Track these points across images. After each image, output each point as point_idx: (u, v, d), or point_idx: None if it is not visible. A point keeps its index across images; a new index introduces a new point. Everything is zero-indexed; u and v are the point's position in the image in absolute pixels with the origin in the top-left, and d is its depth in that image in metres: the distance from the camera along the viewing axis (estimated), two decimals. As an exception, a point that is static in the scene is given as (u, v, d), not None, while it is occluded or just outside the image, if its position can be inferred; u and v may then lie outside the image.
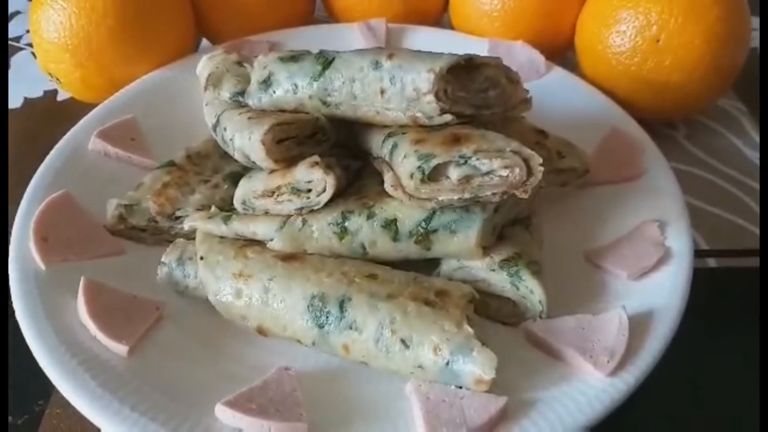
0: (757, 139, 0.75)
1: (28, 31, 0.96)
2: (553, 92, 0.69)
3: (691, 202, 0.66)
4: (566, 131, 0.63)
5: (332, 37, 0.77)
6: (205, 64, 0.70)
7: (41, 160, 0.61)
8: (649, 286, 0.50)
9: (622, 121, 0.65)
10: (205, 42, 0.84)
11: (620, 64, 0.69)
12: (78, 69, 0.71)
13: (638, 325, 0.47)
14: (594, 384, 0.44)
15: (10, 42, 0.95)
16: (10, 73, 0.89)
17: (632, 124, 0.65)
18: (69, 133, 0.64)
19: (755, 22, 0.95)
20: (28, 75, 0.86)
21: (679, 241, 0.53)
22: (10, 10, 1.02)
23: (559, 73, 0.72)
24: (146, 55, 0.72)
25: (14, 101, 0.83)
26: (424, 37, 0.78)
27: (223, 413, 0.42)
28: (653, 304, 0.48)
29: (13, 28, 0.98)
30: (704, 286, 0.57)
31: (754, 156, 0.72)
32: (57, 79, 0.74)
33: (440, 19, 0.86)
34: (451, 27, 0.83)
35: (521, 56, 0.74)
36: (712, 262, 0.61)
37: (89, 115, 0.66)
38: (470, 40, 0.77)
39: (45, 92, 0.84)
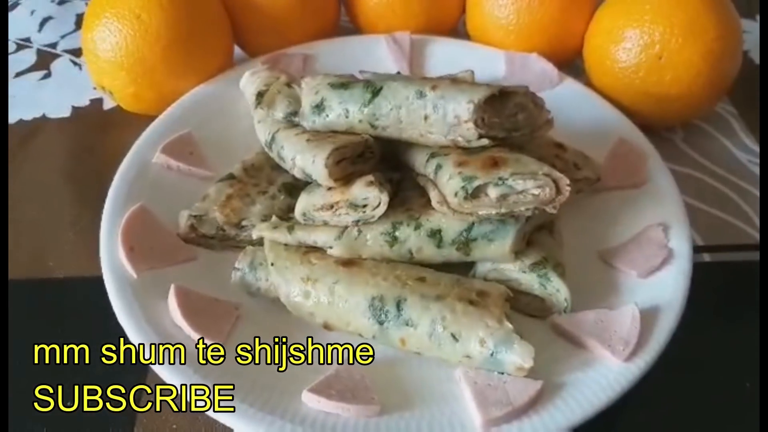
0: (745, 139, 0.83)
1: (62, 37, 1.02)
2: (565, 102, 0.76)
3: (688, 201, 0.74)
4: (578, 139, 0.71)
5: (361, 49, 0.85)
6: (249, 80, 0.76)
7: (99, 170, 0.69)
8: (656, 283, 0.59)
9: (629, 132, 0.73)
10: (237, 51, 0.89)
11: (626, 77, 0.76)
12: (132, 85, 0.77)
13: (647, 317, 0.55)
14: (612, 368, 0.52)
15: (46, 48, 0.99)
16: (54, 80, 0.93)
17: (638, 134, 0.73)
18: (134, 148, 0.70)
19: (746, 24, 1.04)
20: (72, 83, 0.92)
21: (680, 242, 0.61)
22: (42, 15, 1.06)
23: (570, 84, 0.80)
24: (193, 70, 0.78)
25: (63, 110, 0.88)
26: (445, 50, 0.85)
27: (309, 399, 0.51)
28: (660, 299, 0.57)
29: (48, 35, 1.02)
30: (701, 279, 0.66)
31: (742, 156, 0.81)
32: (110, 92, 0.80)
33: (456, 27, 0.93)
34: (465, 34, 0.90)
35: (535, 67, 0.81)
36: (707, 257, 0.70)
37: (149, 131, 0.72)
38: (489, 51, 0.83)
39: (91, 101, 0.89)
